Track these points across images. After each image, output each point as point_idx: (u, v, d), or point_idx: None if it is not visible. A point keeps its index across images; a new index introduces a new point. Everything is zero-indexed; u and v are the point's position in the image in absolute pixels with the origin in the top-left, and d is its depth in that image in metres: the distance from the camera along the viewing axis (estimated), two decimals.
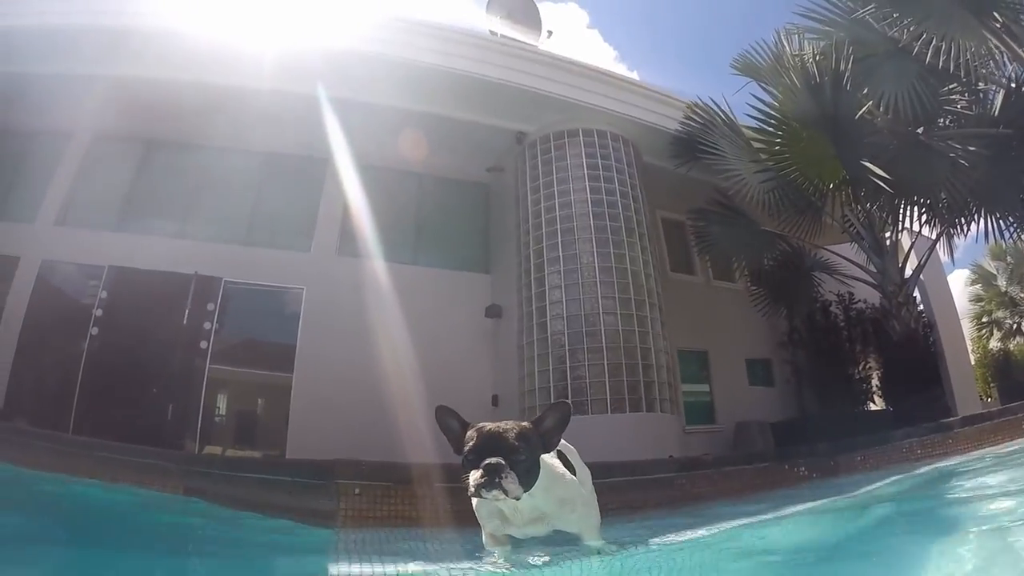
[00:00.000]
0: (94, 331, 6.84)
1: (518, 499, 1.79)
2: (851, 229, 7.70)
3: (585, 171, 6.86)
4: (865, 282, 7.72)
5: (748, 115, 7.43)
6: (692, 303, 7.81)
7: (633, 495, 4.53)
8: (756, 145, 7.56)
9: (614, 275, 6.64)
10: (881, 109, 6.89)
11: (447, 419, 1.97)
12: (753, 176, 7.46)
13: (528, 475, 1.83)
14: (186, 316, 6.56)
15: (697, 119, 7.47)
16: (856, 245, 7.70)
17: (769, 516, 2.95)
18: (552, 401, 6.46)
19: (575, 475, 2.29)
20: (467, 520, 2.30)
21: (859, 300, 9.58)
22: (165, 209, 7.26)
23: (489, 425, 1.90)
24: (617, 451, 5.16)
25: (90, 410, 6.51)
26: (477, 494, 1.76)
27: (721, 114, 7.58)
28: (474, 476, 1.77)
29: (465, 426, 1.95)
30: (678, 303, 7.28)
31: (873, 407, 9.53)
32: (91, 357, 6.73)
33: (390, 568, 1.95)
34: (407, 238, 7.24)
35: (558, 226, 6.71)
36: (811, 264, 8.65)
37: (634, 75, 7.67)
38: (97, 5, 7.01)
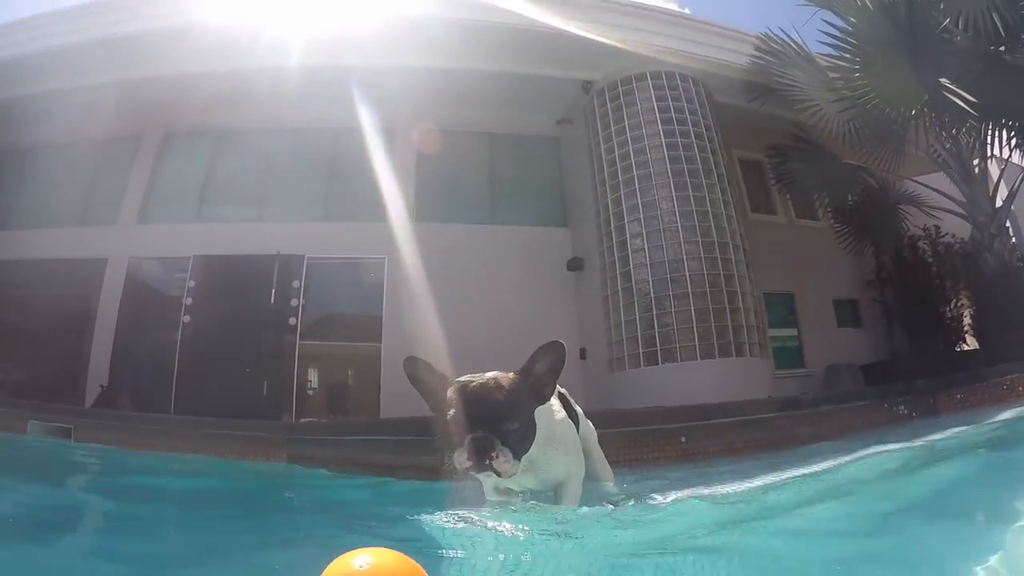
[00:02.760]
0: (186, 319, 7.10)
1: (514, 475, 1.50)
2: (937, 158, 7.26)
3: (657, 115, 6.63)
4: (954, 213, 7.28)
5: (821, 42, 7.10)
6: (775, 244, 7.50)
7: (732, 436, 4.41)
8: (832, 74, 7.21)
9: (695, 219, 6.43)
10: (960, 27, 6.47)
11: (418, 371, 1.67)
12: (831, 106, 7.11)
13: (523, 443, 1.54)
14: (273, 296, 6.72)
15: (768, 51, 7.14)
16: (944, 175, 7.26)
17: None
18: (641, 350, 6.34)
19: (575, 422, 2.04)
20: None
21: (946, 233, 9.02)
22: (242, 195, 7.44)
23: (472, 381, 1.58)
24: (708, 398, 5.03)
25: (188, 392, 6.79)
26: (464, 474, 1.49)
27: (793, 44, 7.23)
28: (459, 456, 1.48)
29: (443, 381, 1.64)
30: (761, 245, 7.01)
31: (966, 348, 9.01)
32: (185, 343, 7.00)
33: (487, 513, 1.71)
34: (483, 198, 7.21)
35: (634, 173, 6.52)
36: (896, 197, 8.21)
37: (686, 12, 7.40)
38: (152, 10, 7.17)
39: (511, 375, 1.62)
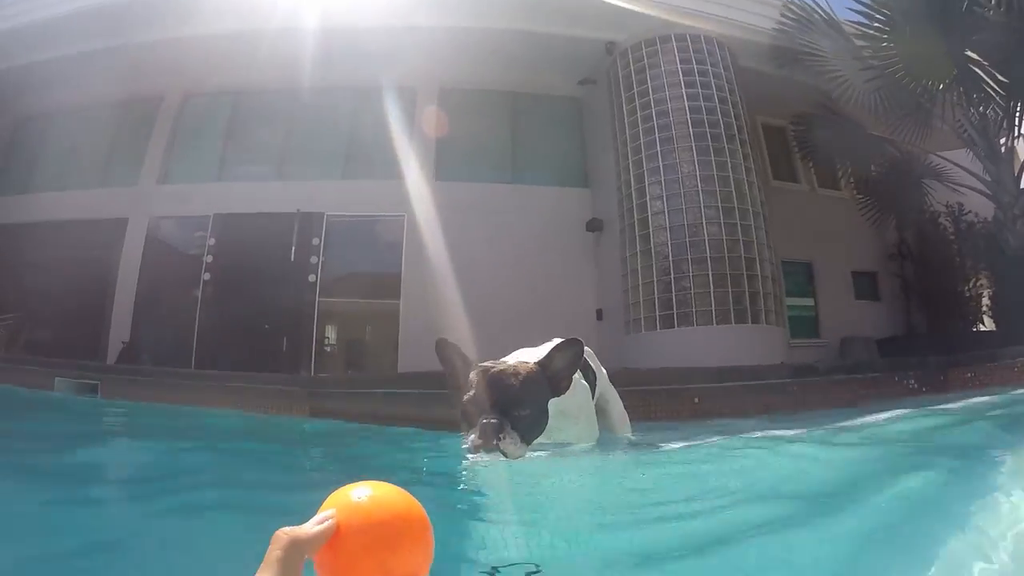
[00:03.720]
0: (206, 276, 7.18)
1: (520, 457, 1.59)
2: (963, 133, 7.14)
3: (681, 77, 6.55)
4: (978, 191, 7.17)
5: (849, 8, 6.97)
6: (796, 212, 7.43)
7: (745, 399, 4.44)
8: (858, 43, 7.07)
9: (716, 184, 6.38)
10: (993, 1, 6.33)
11: (449, 353, 1.79)
12: (857, 75, 7.00)
13: (532, 429, 1.65)
14: (293, 253, 6.76)
15: (794, 17, 7.02)
16: (969, 151, 7.13)
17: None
18: (657, 313, 6.34)
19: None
20: None
21: (968, 211, 8.90)
22: (261, 154, 7.47)
23: (493, 367, 1.70)
24: (722, 363, 5.06)
25: (209, 348, 6.88)
26: (475, 453, 1.57)
27: (819, 11, 7.10)
28: (471, 438, 1.59)
29: (467, 363, 1.76)
30: (782, 212, 6.94)
31: (983, 328, 8.91)
32: (206, 300, 7.08)
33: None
34: (504, 158, 7.19)
35: (656, 135, 6.47)
36: (921, 171, 8.07)
37: None
38: None
39: (531, 365, 1.71)
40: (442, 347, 1.78)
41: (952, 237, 8.89)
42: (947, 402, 3.85)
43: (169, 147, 7.97)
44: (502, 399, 1.60)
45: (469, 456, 1.61)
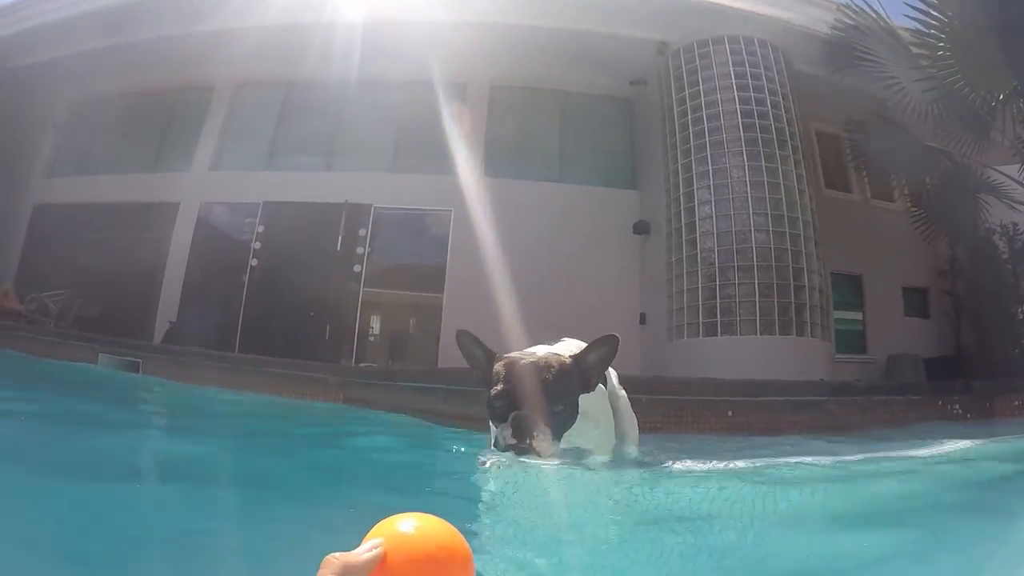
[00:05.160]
0: (254, 262, 7.35)
1: (551, 456, 1.46)
2: (1022, 148, 6.89)
3: (733, 80, 6.46)
4: None
5: (906, 16, 6.78)
6: (848, 223, 7.25)
7: (781, 415, 4.34)
8: (916, 51, 6.89)
9: (766, 191, 6.28)
10: None
11: (469, 346, 1.66)
12: (913, 84, 6.80)
13: (564, 426, 1.52)
14: (339, 242, 6.88)
15: (850, 21, 6.87)
16: None
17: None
18: (701, 320, 6.27)
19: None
20: None
21: (1023, 231, 8.59)
22: (311, 145, 7.61)
23: (521, 359, 1.56)
24: (764, 374, 4.98)
25: (253, 333, 7.04)
26: (506, 451, 1.45)
27: (875, 16, 6.94)
28: (502, 434, 1.46)
29: (491, 357, 1.62)
30: (833, 223, 6.79)
31: None
32: (252, 285, 7.25)
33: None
34: (552, 156, 7.20)
35: (707, 139, 6.39)
36: (976, 184, 7.81)
37: None
38: None
39: (563, 357, 1.61)
40: (462, 338, 1.66)
41: (1006, 256, 8.60)
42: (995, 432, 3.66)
43: (222, 135, 8.18)
44: (535, 392, 1.48)
45: (489, 457, 1.51)
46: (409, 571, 0.51)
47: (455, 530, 0.54)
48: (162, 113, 8.89)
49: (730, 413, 4.29)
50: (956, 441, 2.75)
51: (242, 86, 8.34)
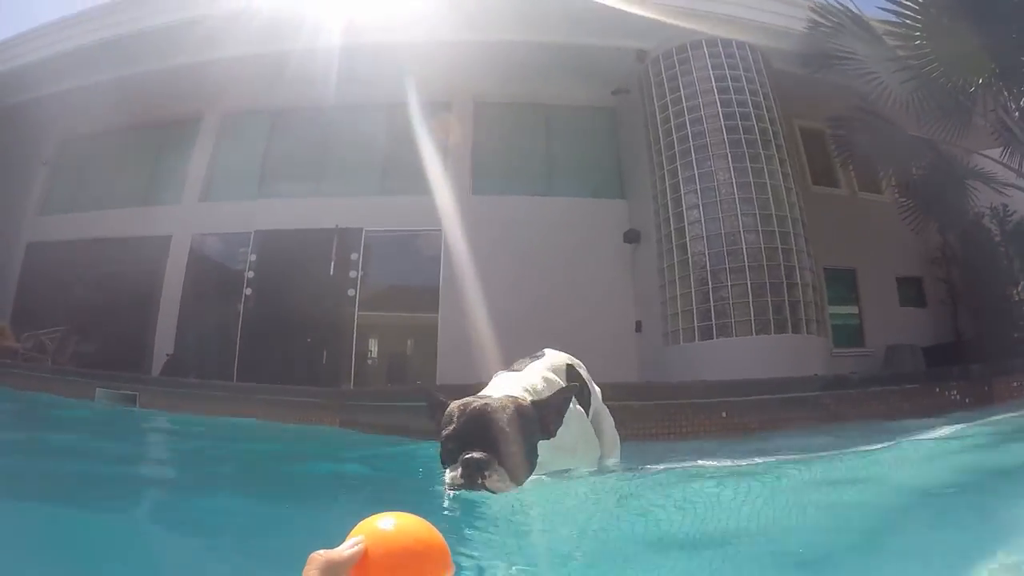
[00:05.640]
0: (248, 291, 7.37)
1: (509, 490, 1.46)
2: (1005, 131, 6.92)
3: (713, 83, 6.51)
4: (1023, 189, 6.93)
5: (880, 7, 6.82)
6: (837, 218, 7.28)
7: (776, 413, 4.34)
8: (892, 42, 6.92)
9: (753, 191, 6.30)
10: None
11: (433, 402, 1.70)
12: (891, 76, 6.83)
13: (521, 468, 1.50)
14: (332, 267, 6.90)
15: (823, 21, 6.91)
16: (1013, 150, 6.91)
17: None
18: (696, 324, 6.28)
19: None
20: None
21: (1014, 212, 8.61)
22: (300, 171, 7.65)
23: (476, 401, 1.56)
24: (762, 374, 4.98)
25: (251, 361, 7.05)
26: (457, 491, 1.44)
27: (847, 13, 6.98)
28: (450, 475, 1.46)
29: (443, 405, 1.63)
30: (822, 218, 6.81)
31: None
32: (248, 314, 7.26)
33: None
34: (539, 170, 7.24)
35: (691, 143, 6.43)
36: (963, 172, 7.83)
37: None
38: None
39: (522, 400, 1.62)
40: (419, 391, 1.74)
41: (998, 239, 8.61)
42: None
43: (210, 166, 8.22)
44: (487, 434, 1.47)
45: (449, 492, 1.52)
46: (389, 564, 0.55)
47: (432, 526, 0.58)
48: (150, 147, 8.93)
49: (724, 414, 4.31)
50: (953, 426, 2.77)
51: (228, 116, 8.39)
